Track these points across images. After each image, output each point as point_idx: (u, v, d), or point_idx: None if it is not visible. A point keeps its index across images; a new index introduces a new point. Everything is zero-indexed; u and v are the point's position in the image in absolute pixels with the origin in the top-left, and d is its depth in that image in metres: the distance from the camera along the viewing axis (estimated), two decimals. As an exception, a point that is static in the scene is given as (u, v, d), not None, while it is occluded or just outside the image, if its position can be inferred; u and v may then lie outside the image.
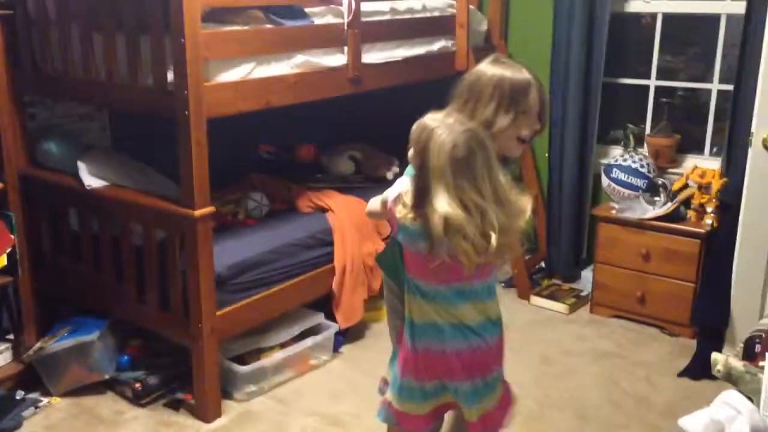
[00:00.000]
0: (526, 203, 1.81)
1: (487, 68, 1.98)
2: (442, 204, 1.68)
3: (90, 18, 2.84)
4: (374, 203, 2.03)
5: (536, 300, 3.84)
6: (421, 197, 1.73)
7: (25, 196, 3.10)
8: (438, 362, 1.91)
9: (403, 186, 1.84)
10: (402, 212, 1.79)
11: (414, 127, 1.80)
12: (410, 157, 1.79)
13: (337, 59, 3.19)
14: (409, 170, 1.89)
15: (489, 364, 1.94)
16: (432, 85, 4.00)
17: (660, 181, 3.61)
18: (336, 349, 3.32)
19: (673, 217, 3.47)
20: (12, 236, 3.00)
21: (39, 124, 3.23)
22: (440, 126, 1.74)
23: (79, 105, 3.36)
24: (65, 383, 2.94)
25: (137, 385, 2.89)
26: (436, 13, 3.77)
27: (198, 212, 2.66)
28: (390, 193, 1.90)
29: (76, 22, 2.92)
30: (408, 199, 1.78)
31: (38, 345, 2.95)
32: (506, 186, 1.77)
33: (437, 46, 3.77)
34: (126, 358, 3.01)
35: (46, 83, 3.09)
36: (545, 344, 3.42)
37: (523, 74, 1.96)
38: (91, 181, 2.97)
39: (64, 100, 3.29)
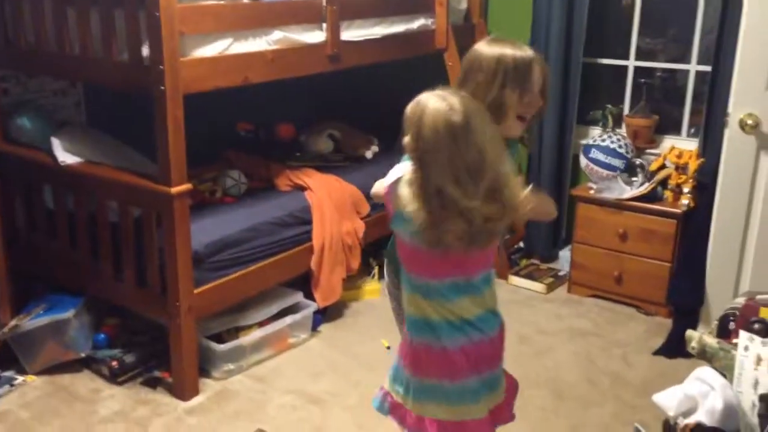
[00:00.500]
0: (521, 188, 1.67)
1: (486, 48, 1.89)
2: (440, 181, 1.57)
3: (63, -10, 2.78)
4: (378, 186, 1.88)
5: (514, 280, 3.86)
6: (420, 180, 1.61)
7: (-2, 172, 3.05)
8: (440, 360, 1.74)
9: (401, 170, 1.69)
10: (399, 200, 1.65)
11: (407, 109, 1.68)
12: (405, 142, 1.64)
13: (315, 36, 3.16)
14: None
15: (495, 357, 1.82)
16: (411, 63, 4.01)
17: (638, 161, 3.63)
18: (314, 327, 3.31)
19: (651, 197, 3.49)
20: (-16, 213, 2.95)
21: (12, 100, 3.17)
22: (433, 96, 1.64)
23: (53, 80, 3.30)
24: (41, 361, 2.92)
25: (114, 363, 2.87)
26: (416, -9, 3.74)
27: (175, 189, 2.63)
28: (388, 178, 1.74)
29: (48, -5, 2.86)
30: (406, 184, 1.64)
31: (13, 323, 2.92)
32: (508, 165, 1.66)
33: (417, 24, 3.74)
34: (102, 336, 2.99)
35: (19, 58, 3.03)
36: (523, 324, 3.44)
37: (525, 51, 1.89)
38: (65, 157, 2.92)
39: (38, 75, 3.23)
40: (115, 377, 2.88)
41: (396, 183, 1.68)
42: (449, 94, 1.63)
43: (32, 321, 2.88)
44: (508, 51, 1.87)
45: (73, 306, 2.93)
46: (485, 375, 1.78)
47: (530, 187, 1.79)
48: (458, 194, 1.58)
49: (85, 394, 2.83)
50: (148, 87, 2.57)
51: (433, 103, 1.62)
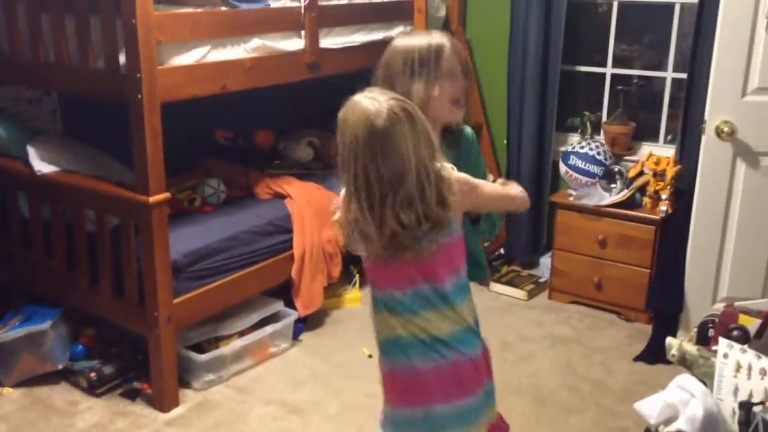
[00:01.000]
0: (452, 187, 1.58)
1: (396, 43, 1.85)
2: (352, 189, 1.51)
3: (37, -3, 2.74)
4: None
5: (495, 287, 3.86)
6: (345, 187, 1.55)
7: (-33, 182, 3.00)
8: (411, 384, 1.64)
9: None
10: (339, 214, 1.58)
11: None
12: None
13: (294, 43, 3.16)
14: None
15: (472, 381, 1.65)
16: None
17: (616, 168, 3.65)
18: (296, 336, 3.29)
19: (629, 203, 3.52)
20: (-42, 224, 2.90)
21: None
22: (365, 98, 1.55)
23: (27, 88, 3.25)
24: (17, 373, 2.87)
25: (92, 374, 2.83)
26: (394, -2, 3.75)
27: (153, 198, 2.60)
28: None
29: (22, 2, 2.82)
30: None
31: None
32: (441, 168, 1.57)
33: (395, 31, 3.74)
34: (80, 347, 2.94)
35: (-7, 65, 2.98)
36: (504, 330, 3.45)
37: (433, 39, 1.82)
38: (41, 166, 2.88)
39: (12, 83, 3.18)
40: (93, 389, 2.84)
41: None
42: (380, 96, 1.55)
43: (8, 333, 2.83)
44: (414, 42, 1.81)
45: (49, 317, 2.88)
46: (457, 403, 1.64)
47: (499, 179, 1.82)
48: (360, 206, 1.51)
49: (62, 407, 2.79)
50: (124, 95, 2.55)
51: (361, 106, 1.54)
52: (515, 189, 1.81)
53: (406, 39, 1.85)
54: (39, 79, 2.91)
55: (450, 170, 1.60)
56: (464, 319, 1.64)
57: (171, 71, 2.63)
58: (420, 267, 1.60)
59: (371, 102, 1.53)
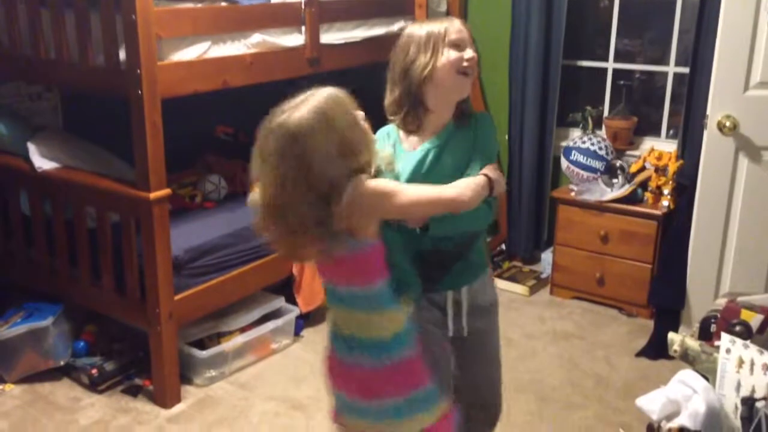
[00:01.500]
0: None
1: (409, 28, 1.92)
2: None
3: (37, -7, 2.74)
4: None
5: (497, 282, 3.84)
6: None
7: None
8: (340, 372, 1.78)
9: None
10: None
11: None
12: None
13: (294, 39, 3.14)
14: None
15: (379, 389, 1.69)
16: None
17: (618, 163, 3.64)
18: (297, 333, 3.29)
19: (631, 198, 3.51)
20: (-42, 220, 2.90)
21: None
22: (293, 102, 1.64)
23: (28, 84, 3.25)
24: (20, 370, 2.87)
25: (94, 371, 2.83)
26: (395, -7, 3.73)
27: (153, 195, 2.59)
28: None
29: (22, -2, 2.81)
30: None
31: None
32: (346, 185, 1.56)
33: (396, 26, 3.73)
34: (82, 343, 2.94)
35: (-7, 61, 2.98)
36: (506, 327, 3.43)
37: (441, 21, 1.87)
38: (42, 163, 2.88)
39: (12, 79, 3.18)
40: (95, 385, 2.84)
41: None
42: (304, 101, 1.61)
43: (10, 329, 2.83)
44: (424, 25, 1.87)
45: (51, 314, 2.88)
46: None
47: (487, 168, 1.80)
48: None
49: (64, 403, 2.79)
50: (125, 91, 2.54)
51: (284, 111, 1.61)
52: (455, 190, 1.71)
53: (417, 24, 1.91)
54: (39, 75, 2.90)
55: (361, 184, 1.57)
56: (372, 330, 1.65)
57: (171, 67, 2.62)
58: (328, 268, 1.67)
59: (290, 111, 1.60)
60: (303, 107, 1.59)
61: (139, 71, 2.48)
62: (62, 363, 2.88)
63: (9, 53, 2.88)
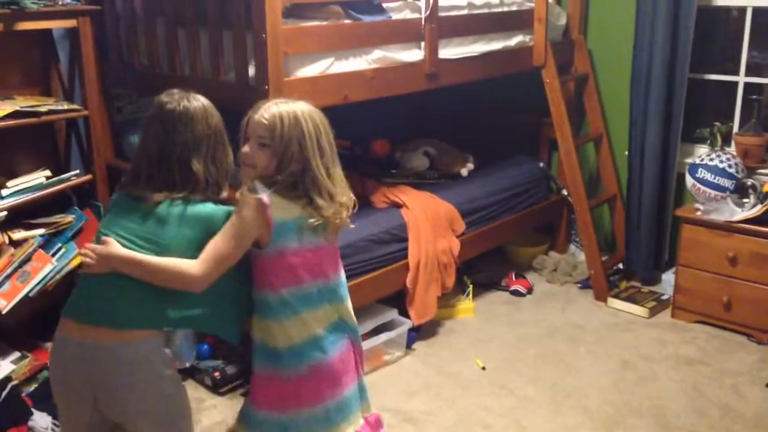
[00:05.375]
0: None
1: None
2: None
3: (175, 14, 2.90)
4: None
5: (614, 302, 3.73)
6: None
7: (112, 187, 3.19)
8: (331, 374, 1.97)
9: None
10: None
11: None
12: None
13: (413, 54, 3.17)
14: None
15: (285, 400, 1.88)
16: (508, 80, 3.97)
17: (749, 182, 3.45)
18: (409, 345, 3.30)
19: (764, 219, 3.31)
20: (98, 226, 3.10)
21: (125, 118, 3.33)
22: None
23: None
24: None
25: (216, 374, 2.95)
26: (513, 8, 3.71)
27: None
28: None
29: (161, 18, 2.99)
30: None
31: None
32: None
33: (515, 41, 3.71)
34: (206, 346, 3.07)
35: (133, 78, 3.18)
36: (624, 348, 3.32)
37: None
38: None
39: (149, 94, 3.36)
40: (217, 388, 2.95)
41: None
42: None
43: (141, 331, 2.99)
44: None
45: (178, 317, 3.02)
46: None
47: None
48: None
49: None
50: (253, 106, 2.64)
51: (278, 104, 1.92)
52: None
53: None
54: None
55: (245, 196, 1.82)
56: (278, 338, 1.90)
57: (296, 83, 2.71)
58: None
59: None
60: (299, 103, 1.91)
61: (266, 87, 2.58)
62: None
63: (149, 71, 3.07)
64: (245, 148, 1.87)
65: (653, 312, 3.63)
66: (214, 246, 1.79)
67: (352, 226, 1.97)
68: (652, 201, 3.83)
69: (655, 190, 3.81)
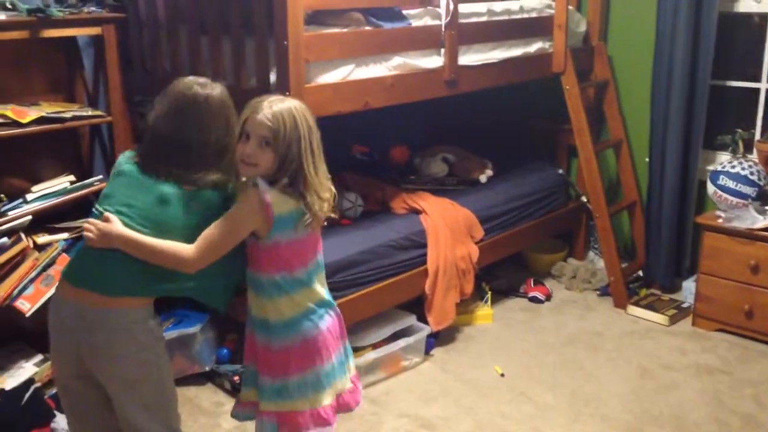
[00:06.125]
0: None
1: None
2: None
3: (197, 21, 2.93)
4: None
5: (633, 310, 3.71)
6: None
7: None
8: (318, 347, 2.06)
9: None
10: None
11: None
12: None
13: (433, 61, 3.19)
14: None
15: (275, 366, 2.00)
16: (527, 87, 3.97)
17: (772, 189, 3.42)
18: (427, 351, 3.30)
19: (786, 227, 3.28)
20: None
21: (147, 124, 3.35)
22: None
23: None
24: (168, 373, 3.05)
25: (235, 378, 2.97)
26: (533, 14, 3.71)
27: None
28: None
29: (184, 25, 3.03)
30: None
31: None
32: None
33: (534, 47, 3.71)
34: (225, 351, 3.10)
35: (156, 84, 3.20)
36: (644, 356, 3.30)
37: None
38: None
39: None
40: (236, 392, 2.96)
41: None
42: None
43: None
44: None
45: (199, 321, 3.05)
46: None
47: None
48: None
49: (208, 407, 2.94)
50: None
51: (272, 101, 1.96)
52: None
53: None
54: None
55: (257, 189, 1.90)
56: (268, 311, 1.99)
57: (317, 89, 2.73)
58: None
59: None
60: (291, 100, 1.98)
61: (288, 93, 2.60)
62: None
63: (171, 77, 3.08)
64: (246, 147, 1.92)
65: (673, 320, 3.60)
66: (211, 234, 1.89)
67: (334, 215, 2.07)
68: (672, 208, 3.80)
69: (675, 197, 3.79)
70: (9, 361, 2.87)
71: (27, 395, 2.62)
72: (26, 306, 2.67)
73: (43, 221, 2.79)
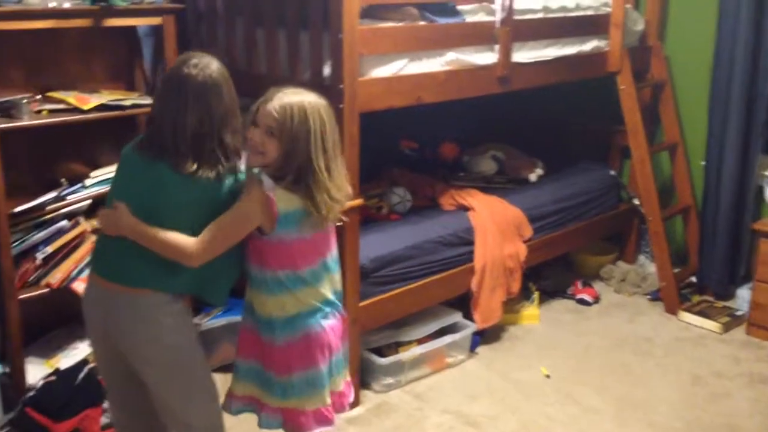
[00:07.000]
0: None
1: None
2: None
3: (254, 13, 2.97)
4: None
5: (685, 316, 3.63)
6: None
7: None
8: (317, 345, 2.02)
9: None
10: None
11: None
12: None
13: (487, 57, 3.16)
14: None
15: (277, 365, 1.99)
16: (580, 86, 3.92)
17: (834, 196, 3.31)
18: (472, 348, 3.29)
19: None
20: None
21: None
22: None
23: (240, 97, 3.51)
24: (216, 359, 3.08)
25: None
26: (590, 12, 3.65)
27: (348, 203, 2.70)
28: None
29: (240, 18, 3.07)
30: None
31: (196, 321, 3.11)
32: None
33: (589, 46, 3.66)
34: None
35: (211, 75, 3.25)
36: (695, 364, 3.23)
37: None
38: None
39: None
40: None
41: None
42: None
43: (211, 321, 3.07)
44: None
45: (246, 309, 3.09)
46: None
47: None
48: None
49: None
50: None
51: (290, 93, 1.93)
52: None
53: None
54: (252, 89, 3.12)
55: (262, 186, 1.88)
56: (269, 308, 1.97)
57: (371, 83, 2.74)
58: None
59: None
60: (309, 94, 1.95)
61: (341, 86, 2.61)
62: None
63: (227, 68, 3.13)
64: (254, 135, 1.92)
65: (727, 327, 3.51)
66: (215, 230, 1.88)
67: (346, 219, 2.06)
68: (728, 213, 3.71)
69: (732, 202, 3.69)
70: (64, 341, 2.94)
71: (81, 375, 2.68)
72: (83, 288, 2.74)
73: (101, 206, 2.84)
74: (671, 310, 3.69)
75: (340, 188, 1.93)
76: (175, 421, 2.04)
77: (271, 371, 2.01)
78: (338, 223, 2.02)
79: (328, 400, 2.03)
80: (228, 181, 1.93)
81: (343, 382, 2.12)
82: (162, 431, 2.13)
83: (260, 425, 2.08)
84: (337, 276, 2.06)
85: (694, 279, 3.93)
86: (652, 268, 3.93)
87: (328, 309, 2.01)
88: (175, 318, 1.96)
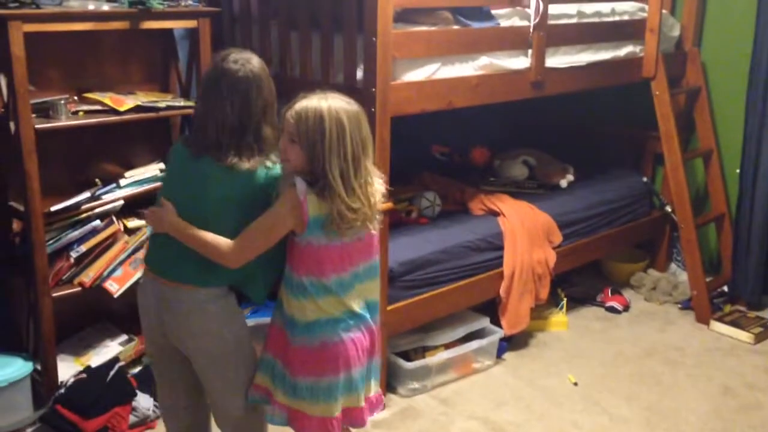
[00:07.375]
0: None
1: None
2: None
3: (288, 17, 2.99)
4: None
5: (717, 326, 3.57)
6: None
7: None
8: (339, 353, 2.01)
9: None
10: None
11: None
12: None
13: (520, 62, 3.15)
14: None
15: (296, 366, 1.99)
16: (613, 91, 3.88)
17: None
18: (499, 354, 3.27)
19: None
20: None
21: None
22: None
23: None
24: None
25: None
26: (625, 17, 3.62)
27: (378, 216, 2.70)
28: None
29: (275, 21, 3.09)
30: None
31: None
32: None
33: (624, 51, 3.62)
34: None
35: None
36: (726, 374, 3.18)
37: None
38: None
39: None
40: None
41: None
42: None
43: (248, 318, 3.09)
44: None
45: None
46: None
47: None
48: None
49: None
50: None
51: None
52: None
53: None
54: (285, 91, 3.14)
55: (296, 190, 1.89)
56: (293, 311, 1.98)
57: (403, 87, 2.74)
58: None
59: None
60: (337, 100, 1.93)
61: (373, 90, 2.62)
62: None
63: (260, 71, 3.16)
64: (281, 142, 1.94)
65: (759, 338, 3.46)
66: (250, 233, 1.91)
67: (375, 231, 1.99)
68: (763, 222, 3.65)
69: (767, 211, 3.63)
70: (96, 339, 2.99)
71: (111, 373, 2.72)
72: (114, 287, 2.78)
73: (134, 206, 2.89)
74: (702, 320, 3.64)
75: (358, 198, 1.88)
76: (215, 408, 2.14)
77: (286, 369, 2.03)
78: (373, 231, 1.99)
79: (336, 413, 2.00)
80: (263, 173, 1.96)
81: (364, 398, 2.07)
82: (206, 416, 2.25)
83: (267, 419, 2.14)
84: (372, 284, 2.04)
85: (726, 288, 3.87)
86: (683, 276, 3.88)
87: (351, 321, 1.98)
88: (225, 311, 2.02)
